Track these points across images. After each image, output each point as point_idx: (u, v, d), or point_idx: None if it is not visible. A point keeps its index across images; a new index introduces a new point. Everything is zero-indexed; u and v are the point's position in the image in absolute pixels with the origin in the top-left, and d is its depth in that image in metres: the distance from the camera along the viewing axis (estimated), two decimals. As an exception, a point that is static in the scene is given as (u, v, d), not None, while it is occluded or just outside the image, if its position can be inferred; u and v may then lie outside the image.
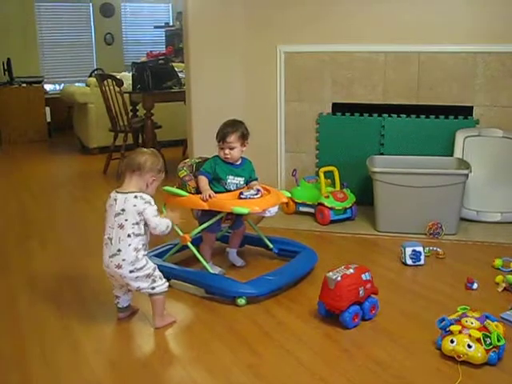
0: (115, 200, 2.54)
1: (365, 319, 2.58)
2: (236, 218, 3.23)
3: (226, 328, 2.60)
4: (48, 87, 9.00)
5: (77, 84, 8.04)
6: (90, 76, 8.25)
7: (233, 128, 3.11)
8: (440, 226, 3.68)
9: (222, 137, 3.09)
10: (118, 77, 5.76)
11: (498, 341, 2.24)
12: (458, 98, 4.29)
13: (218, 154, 3.14)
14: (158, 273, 2.56)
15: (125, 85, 5.82)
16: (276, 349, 2.41)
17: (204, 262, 3.02)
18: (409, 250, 3.26)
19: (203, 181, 3.08)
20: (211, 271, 3.01)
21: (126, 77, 6.43)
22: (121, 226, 2.49)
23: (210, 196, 2.97)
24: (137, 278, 2.50)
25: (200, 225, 3.10)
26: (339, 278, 2.50)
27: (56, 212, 4.75)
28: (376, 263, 3.31)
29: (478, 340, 2.22)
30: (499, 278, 3.00)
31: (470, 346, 2.22)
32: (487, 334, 2.25)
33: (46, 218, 4.49)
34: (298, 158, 4.68)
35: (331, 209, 4.00)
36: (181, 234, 3.05)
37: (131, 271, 2.49)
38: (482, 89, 4.23)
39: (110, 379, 2.21)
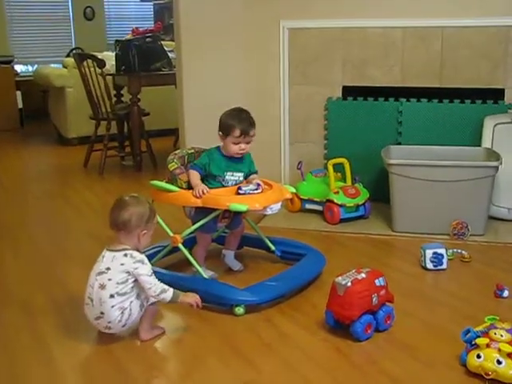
0: (103, 257, 2.55)
1: (379, 330, 2.57)
2: (234, 217, 3.22)
3: (221, 340, 2.59)
4: (19, 68, 9.02)
5: (52, 65, 8.06)
6: (68, 56, 8.26)
7: (252, 120, 3.11)
8: (466, 225, 3.67)
9: (243, 130, 3.05)
10: (100, 57, 5.75)
11: (531, 356, 2.23)
12: (487, 80, 4.27)
13: (227, 148, 3.11)
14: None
15: (107, 66, 5.83)
16: (278, 363, 2.41)
17: (197, 266, 3.02)
18: (429, 253, 3.25)
19: (194, 175, 3.07)
20: (205, 276, 3.01)
21: (109, 57, 6.42)
22: (102, 287, 2.48)
23: (203, 192, 2.97)
24: (133, 321, 2.55)
25: (193, 224, 3.09)
26: (349, 284, 2.49)
27: (29, 210, 4.75)
28: (392, 267, 3.32)
29: (509, 355, 2.21)
30: (532, 285, 3.00)
31: (499, 362, 2.20)
32: (519, 347, 2.24)
33: (19, 216, 4.50)
34: (303, 150, 4.68)
35: (341, 206, 4.00)
36: (171, 234, 3.04)
37: (124, 325, 2.52)
38: (515, 69, 4.22)
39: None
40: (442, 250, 3.26)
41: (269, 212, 3.04)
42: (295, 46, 4.57)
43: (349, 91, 4.53)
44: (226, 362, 2.43)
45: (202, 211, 3.05)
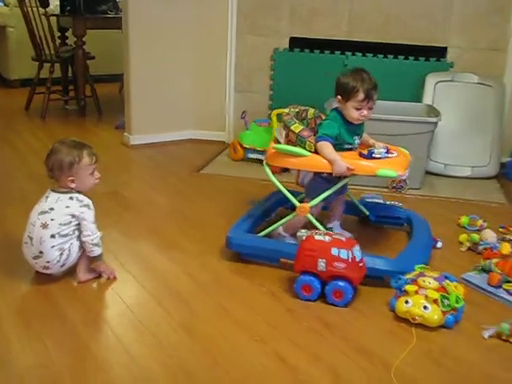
0: (46, 197, 2.53)
1: (327, 302, 2.47)
2: None
3: (158, 283, 2.61)
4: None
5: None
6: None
7: (375, 81, 2.78)
8: (403, 179, 3.73)
9: (367, 95, 2.72)
10: (44, -4, 5.57)
11: (457, 302, 2.30)
12: (430, 38, 4.32)
13: (348, 115, 2.78)
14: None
15: (51, 6, 5.64)
16: (213, 307, 2.43)
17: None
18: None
19: (329, 147, 2.70)
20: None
21: (54, -3, 6.22)
22: (44, 226, 2.46)
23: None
24: (72, 261, 2.54)
25: (308, 191, 2.90)
26: (303, 238, 2.50)
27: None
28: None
29: (435, 301, 2.28)
30: (463, 237, 3.08)
31: (426, 308, 2.28)
32: (445, 295, 2.31)
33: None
34: (248, 99, 4.66)
35: (284, 156, 4.01)
36: (297, 204, 2.81)
37: (62, 265, 2.52)
38: (458, 29, 4.26)
39: (25, 336, 2.19)
40: (379, 202, 3.32)
41: (405, 176, 2.77)
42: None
43: (296, 42, 4.51)
44: (163, 304, 2.44)
45: (322, 179, 2.80)
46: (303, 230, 2.55)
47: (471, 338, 2.27)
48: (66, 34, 6.07)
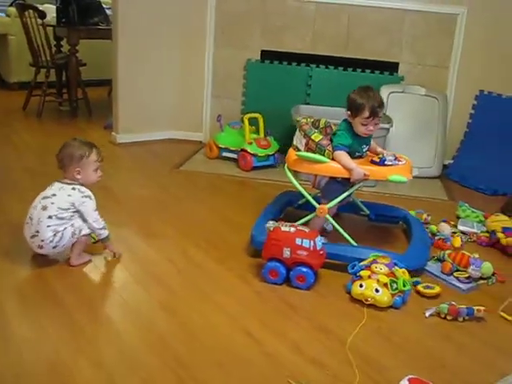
0: (51, 186, 2.53)
1: (292, 286, 2.48)
2: None
3: (141, 268, 2.60)
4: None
5: (-4, 13, 7.59)
6: (11, 5, 7.79)
7: (381, 99, 2.73)
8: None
9: (373, 112, 2.67)
10: (41, 8, 5.47)
11: (404, 286, 2.35)
12: (385, 54, 4.36)
13: (356, 128, 2.74)
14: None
15: (48, 17, 5.55)
16: (190, 288, 2.43)
17: (346, 235, 2.77)
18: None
19: (346, 156, 2.70)
20: (355, 244, 2.76)
21: (50, 9, 6.12)
22: (44, 208, 2.46)
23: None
24: (64, 245, 2.51)
25: (324, 193, 2.87)
26: (271, 229, 2.50)
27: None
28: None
29: (385, 285, 2.32)
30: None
31: (377, 291, 2.31)
32: (394, 279, 2.35)
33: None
34: (224, 104, 4.65)
35: (254, 155, 4.02)
36: (316, 205, 2.79)
37: (55, 247, 2.50)
38: (409, 47, 4.31)
39: (22, 313, 2.16)
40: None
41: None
42: (221, 10, 4.49)
43: (266, 55, 4.50)
44: (145, 286, 2.43)
45: (336, 183, 2.79)
46: (271, 222, 2.55)
47: (415, 317, 2.30)
48: (61, 42, 5.96)
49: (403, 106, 4.20)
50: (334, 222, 2.79)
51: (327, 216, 2.77)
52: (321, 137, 2.74)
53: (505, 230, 2.98)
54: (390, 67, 4.38)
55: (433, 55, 4.32)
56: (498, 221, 3.10)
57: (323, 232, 2.93)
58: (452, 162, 4.37)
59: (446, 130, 4.28)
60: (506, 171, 3.84)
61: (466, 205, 3.45)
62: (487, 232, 3.12)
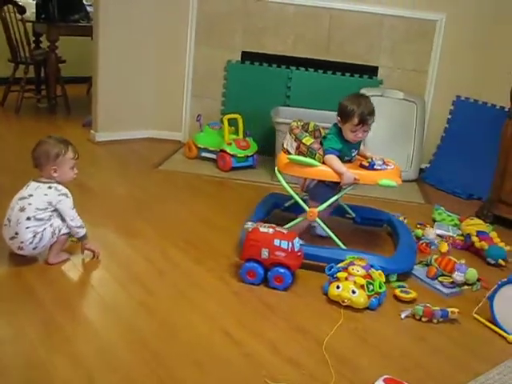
0: (27, 186, 2.51)
1: (269, 286, 2.49)
2: None
3: (120, 267, 2.59)
4: None
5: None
6: (-10, 0, 7.71)
7: (372, 107, 2.72)
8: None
9: (362, 120, 2.68)
10: (20, 3, 5.42)
11: (380, 288, 2.38)
12: (364, 58, 4.41)
13: (345, 134, 2.75)
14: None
15: (28, 13, 5.49)
16: (168, 288, 2.43)
17: (335, 239, 2.77)
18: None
19: (337, 160, 2.71)
20: (343, 247, 2.76)
21: (30, 4, 6.03)
22: (22, 209, 2.43)
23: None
24: (44, 246, 2.49)
25: (312, 196, 2.88)
26: (250, 229, 2.51)
27: None
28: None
29: (362, 287, 2.35)
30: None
31: (354, 292, 2.34)
32: (371, 281, 2.38)
33: None
34: (203, 104, 4.65)
35: (233, 156, 4.04)
36: (307, 208, 2.78)
37: (34, 248, 2.48)
38: (388, 51, 4.37)
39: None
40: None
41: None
42: (203, 11, 4.49)
43: (247, 56, 4.52)
44: (124, 285, 2.42)
45: (325, 186, 2.81)
46: (250, 223, 2.56)
47: (391, 319, 2.33)
48: (41, 38, 5.91)
49: (382, 110, 4.16)
50: (324, 226, 2.79)
51: (317, 220, 2.78)
52: (312, 140, 2.75)
53: (479, 233, 3.04)
54: (370, 71, 4.43)
55: (412, 60, 4.38)
56: (473, 224, 3.16)
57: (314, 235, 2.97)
58: (429, 165, 4.43)
59: (423, 133, 4.34)
60: (482, 176, 3.90)
61: (442, 208, 3.51)
62: (462, 235, 3.17)
